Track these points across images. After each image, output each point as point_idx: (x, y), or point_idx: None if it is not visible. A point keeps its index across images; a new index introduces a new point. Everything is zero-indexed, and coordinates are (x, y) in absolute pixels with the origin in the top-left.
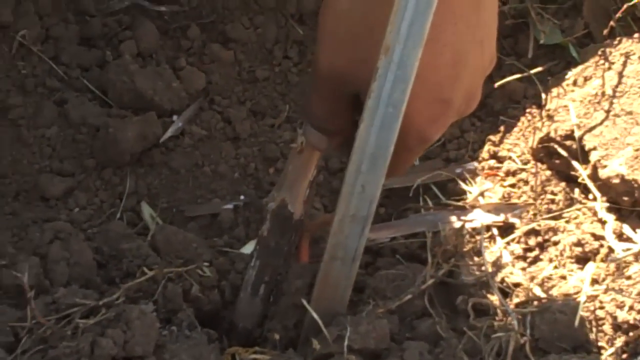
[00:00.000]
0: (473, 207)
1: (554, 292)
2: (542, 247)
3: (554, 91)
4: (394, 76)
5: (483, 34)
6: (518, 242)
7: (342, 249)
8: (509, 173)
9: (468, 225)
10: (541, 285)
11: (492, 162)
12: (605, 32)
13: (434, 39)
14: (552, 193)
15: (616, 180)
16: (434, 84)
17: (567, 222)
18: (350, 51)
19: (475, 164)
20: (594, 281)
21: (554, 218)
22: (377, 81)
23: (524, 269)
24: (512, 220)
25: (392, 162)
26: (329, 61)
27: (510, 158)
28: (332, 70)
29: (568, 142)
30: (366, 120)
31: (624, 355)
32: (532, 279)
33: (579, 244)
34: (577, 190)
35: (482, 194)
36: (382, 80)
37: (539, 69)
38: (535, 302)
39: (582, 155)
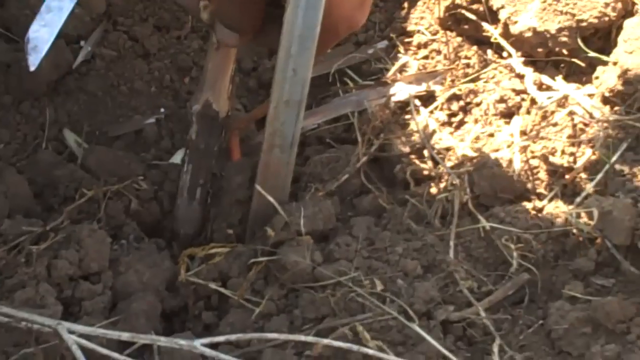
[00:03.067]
0: (394, 81)
1: (485, 149)
2: (465, 110)
3: None
4: None
5: None
6: (441, 109)
7: (279, 136)
8: (420, 46)
9: (392, 99)
10: (472, 145)
11: (402, 38)
12: None
13: None
14: (466, 57)
15: (529, 34)
16: None
17: (486, 82)
18: None
19: (386, 42)
20: (522, 133)
21: (473, 80)
22: None
23: (451, 133)
24: (434, 87)
25: (318, 48)
26: None
27: (419, 31)
28: None
29: (475, 6)
30: (292, 2)
31: (565, 198)
32: (461, 141)
33: (501, 100)
34: (489, 51)
35: (399, 69)
36: None
37: None
38: (469, 162)
39: (491, 15)
